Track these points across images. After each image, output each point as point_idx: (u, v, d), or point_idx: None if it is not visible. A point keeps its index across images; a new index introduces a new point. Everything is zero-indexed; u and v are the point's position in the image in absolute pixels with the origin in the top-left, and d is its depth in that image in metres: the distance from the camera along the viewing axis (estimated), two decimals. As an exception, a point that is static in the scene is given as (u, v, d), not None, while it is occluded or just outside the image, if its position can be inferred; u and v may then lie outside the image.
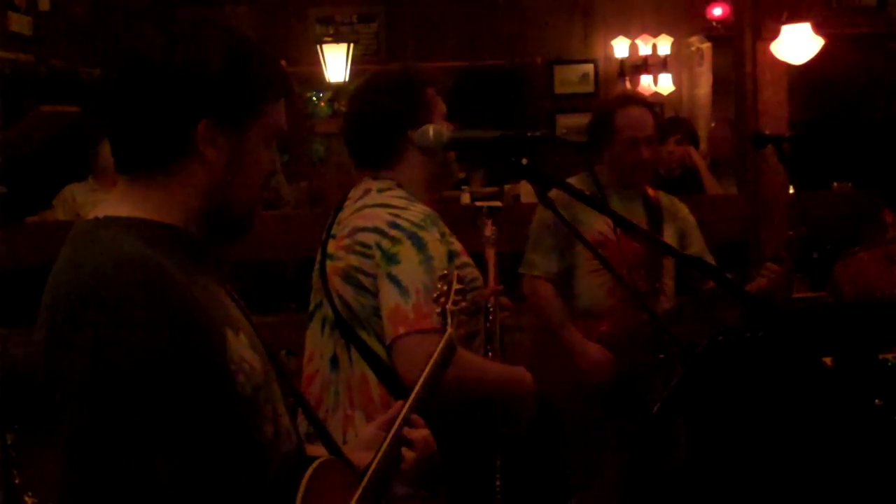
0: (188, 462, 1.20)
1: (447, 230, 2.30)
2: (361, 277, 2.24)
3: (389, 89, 2.36)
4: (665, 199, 3.43)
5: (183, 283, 1.26)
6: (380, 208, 2.27)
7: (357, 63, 7.59)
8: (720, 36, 7.21)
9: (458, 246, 2.33)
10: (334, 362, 2.30)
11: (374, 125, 2.35)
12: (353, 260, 2.25)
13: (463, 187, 6.44)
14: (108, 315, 1.19)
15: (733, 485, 3.14)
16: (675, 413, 2.56)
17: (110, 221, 1.32)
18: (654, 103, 3.62)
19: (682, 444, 3.10)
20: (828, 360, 2.98)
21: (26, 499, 2.80)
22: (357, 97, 2.44)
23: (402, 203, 2.28)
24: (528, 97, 8.19)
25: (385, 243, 2.21)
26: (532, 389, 2.35)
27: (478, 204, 5.29)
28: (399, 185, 2.33)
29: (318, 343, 2.36)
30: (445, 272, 1.93)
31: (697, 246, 3.40)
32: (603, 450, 3.22)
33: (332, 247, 2.32)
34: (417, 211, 2.26)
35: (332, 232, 2.35)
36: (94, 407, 1.18)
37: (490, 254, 2.62)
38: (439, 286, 1.87)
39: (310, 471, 1.36)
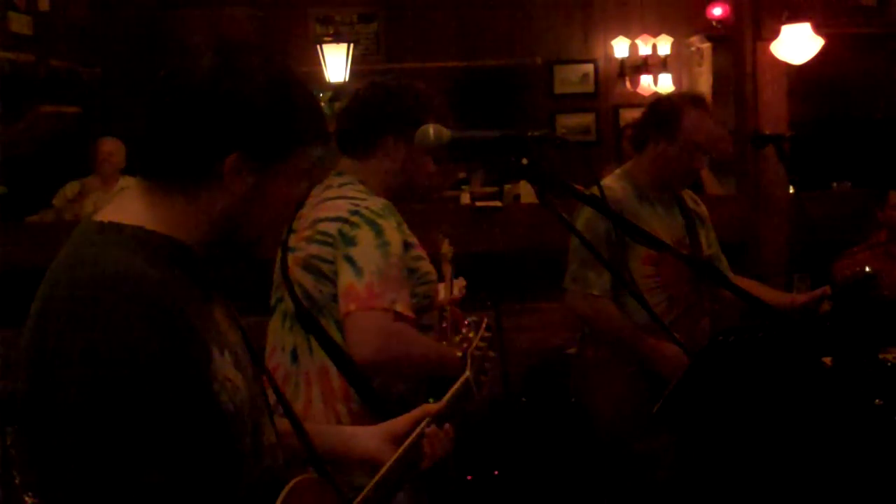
0: (175, 472, 1.21)
1: (403, 221, 2.37)
2: (321, 265, 2.30)
3: (388, 93, 2.44)
4: (687, 198, 3.31)
5: (177, 301, 1.27)
6: (340, 200, 2.35)
7: (357, 63, 7.58)
8: (720, 36, 7.20)
9: (414, 239, 2.39)
10: (294, 355, 2.36)
11: (361, 118, 2.46)
12: (314, 249, 2.32)
13: (463, 187, 6.44)
14: (100, 327, 1.20)
15: (733, 484, 3.13)
16: (675, 413, 2.55)
17: (116, 228, 1.33)
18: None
19: (668, 460, 3.07)
20: (828, 360, 2.98)
21: (26, 499, 2.79)
22: (361, 91, 2.52)
23: (361, 195, 2.36)
24: (528, 97, 8.19)
25: (345, 228, 2.28)
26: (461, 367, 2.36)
27: (478, 204, 5.30)
28: (361, 182, 2.41)
29: (278, 337, 2.41)
30: (483, 323, 1.96)
31: (715, 246, 3.34)
32: (652, 463, 3.11)
33: (292, 240, 2.39)
34: (377, 201, 2.34)
35: (293, 227, 2.41)
36: (80, 415, 1.20)
37: (447, 269, 2.73)
38: (464, 331, 1.90)
39: (287, 488, 1.37)
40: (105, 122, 6.03)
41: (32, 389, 1.24)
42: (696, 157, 3.07)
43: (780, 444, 3.04)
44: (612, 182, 3.16)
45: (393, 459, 1.64)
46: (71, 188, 5.73)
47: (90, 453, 1.19)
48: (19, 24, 6.20)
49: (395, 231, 2.30)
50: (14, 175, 5.32)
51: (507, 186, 6.02)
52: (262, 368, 1.52)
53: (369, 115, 2.44)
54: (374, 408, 2.28)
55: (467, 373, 1.85)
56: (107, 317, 1.20)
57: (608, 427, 3.11)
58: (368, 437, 1.72)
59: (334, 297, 2.28)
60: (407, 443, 1.67)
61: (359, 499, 1.56)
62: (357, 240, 2.26)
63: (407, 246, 2.34)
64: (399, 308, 2.23)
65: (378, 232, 2.27)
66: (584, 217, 3.02)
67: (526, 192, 5.51)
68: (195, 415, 1.25)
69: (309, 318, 2.32)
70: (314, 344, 2.32)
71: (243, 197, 1.36)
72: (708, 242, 3.31)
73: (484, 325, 1.99)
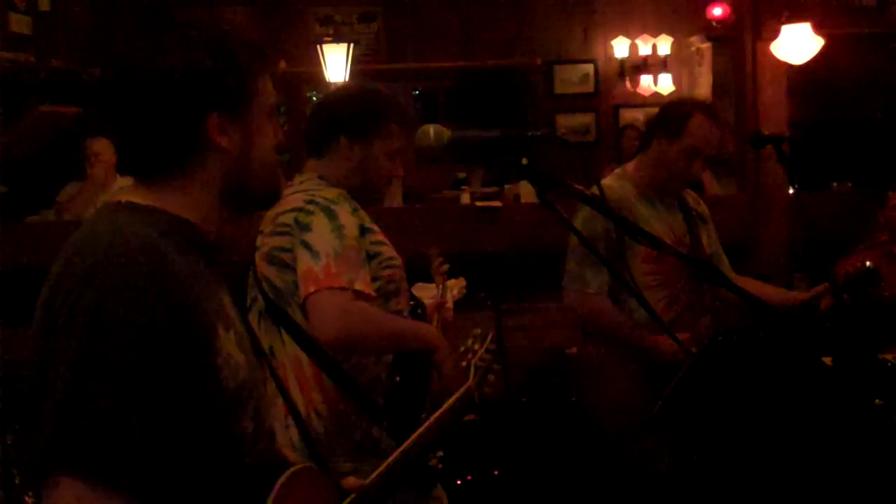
0: (164, 432, 1.23)
1: (360, 208, 2.45)
2: (282, 255, 2.36)
3: (342, 99, 2.58)
4: (689, 197, 3.31)
5: (185, 275, 1.31)
6: (298, 193, 2.42)
7: (357, 63, 7.58)
8: (720, 36, 7.20)
9: (374, 226, 2.45)
10: (272, 352, 2.39)
11: (320, 112, 2.59)
12: (275, 241, 2.38)
13: (463, 187, 6.44)
14: (110, 286, 1.24)
15: (734, 484, 3.14)
16: (674, 413, 2.55)
17: (132, 207, 1.37)
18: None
19: (665, 457, 3.07)
20: (828, 360, 2.98)
21: (26, 499, 2.79)
22: (323, 97, 2.68)
23: (317, 187, 2.45)
24: (528, 97, 8.19)
25: (300, 216, 2.35)
26: (437, 342, 2.37)
27: (478, 204, 5.30)
28: (320, 178, 2.49)
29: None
30: (489, 335, 1.97)
31: (716, 246, 3.35)
32: (648, 462, 3.09)
33: (258, 241, 2.46)
34: (331, 190, 2.43)
35: (260, 228, 2.48)
36: (83, 359, 1.22)
37: (439, 281, 2.86)
38: (469, 343, 1.91)
39: (285, 475, 1.39)
40: (105, 122, 6.03)
41: (42, 348, 1.26)
42: (694, 162, 3.08)
43: (780, 444, 3.04)
44: (612, 181, 3.17)
45: (406, 444, 1.67)
46: (72, 188, 5.73)
47: (84, 407, 1.20)
48: (19, 24, 6.20)
49: (349, 215, 2.36)
50: (14, 175, 5.32)
51: (507, 186, 6.02)
52: (263, 356, 1.55)
53: (324, 117, 2.56)
54: (347, 391, 2.33)
55: (470, 382, 1.85)
56: (119, 278, 1.24)
57: (609, 425, 3.12)
58: None
59: (296, 285, 2.32)
60: (426, 426, 1.70)
61: (367, 482, 1.57)
62: (312, 225, 2.32)
63: (364, 230, 2.40)
64: (358, 286, 2.27)
65: (331, 216, 2.33)
66: (582, 217, 3.03)
67: (526, 192, 5.50)
68: (194, 384, 1.28)
69: (276, 309, 2.37)
70: (285, 336, 2.37)
71: (240, 151, 1.42)
72: (710, 242, 3.31)
73: (490, 338, 1.99)
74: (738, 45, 4.79)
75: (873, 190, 4.49)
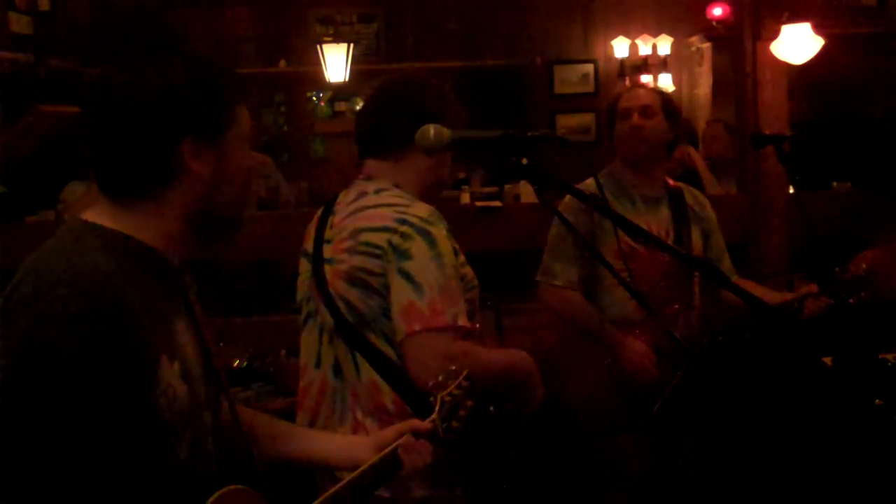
0: (89, 469, 1.23)
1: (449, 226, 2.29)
2: (369, 278, 2.19)
3: (416, 87, 2.34)
4: (689, 195, 3.32)
5: (135, 310, 1.31)
6: (384, 208, 2.24)
7: (357, 63, 7.58)
8: (720, 36, 7.20)
9: (457, 245, 2.30)
10: (337, 369, 2.26)
11: (388, 115, 2.32)
12: (358, 261, 2.20)
13: (463, 187, 6.43)
14: (48, 317, 1.24)
15: (733, 484, 3.14)
16: (675, 412, 2.55)
17: (95, 229, 1.38)
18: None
19: (641, 455, 3.07)
20: (828, 360, 2.98)
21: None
22: (381, 88, 2.40)
23: (403, 201, 2.25)
24: (528, 97, 8.19)
25: (396, 239, 2.17)
26: (533, 367, 2.31)
27: (478, 204, 5.30)
28: (396, 186, 2.30)
29: (313, 352, 2.33)
30: (463, 372, 1.96)
31: (717, 248, 3.33)
32: (621, 459, 3.12)
33: (328, 252, 2.29)
34: (423, 207, 2.24)
35: (326, 237, 2.32)
36: (8, 402, 1.23)
37: None
38: (440, 378, 1.89)
39: (212, 499, 1.39)
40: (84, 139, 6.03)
41: None
42: (627, 119, 3.22)
43: (780, 444, 3.04)
44: (592, 181, 3.18)
45: (366, 466, 1.70)
46: (73, 189, 5.72)
47: (13, 443, 1.21)
48: (19, 24, 6.20)
49: (445, 239, 2.20)
50: (14, 175, 5.31)
51: (507, 186, 6.01)
52: (220, 387, 1.55)
53: (400, 111, 2.29)
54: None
55: (434, 415, 1.86)
56: (58, 308, 1.24)
57: (581, 420, 3.12)
58: (360, 447, 1.78)
59: (384, 311, 2.18)
60: (383, 452, 1.73)
61: (320, 499, 1.58)
62: (411, 253, 2.15)
63: (455, 252, 2.25)
64: (461, 322, 2.16)
65: (430, 242, 2.17)
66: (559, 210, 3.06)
67: (526, 192, 5.50)
68: (125, 418, 1.28)
69: (354, 333, 2.22)
70: (360, 360, 2.22)
71: (211, 177, 1.42)
72: (711, 244, 3.31)
73: (463, 375, 1.97)
74: (738, 45, 4.78)
75: (873, 190, 4.49)
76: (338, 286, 2.24)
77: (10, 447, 1.21)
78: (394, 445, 1.75)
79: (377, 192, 2.29)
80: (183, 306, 1.47)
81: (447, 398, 1.88)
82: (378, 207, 2.25)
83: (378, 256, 2.18)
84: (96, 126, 1.40)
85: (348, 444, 1.82)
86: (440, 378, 1.91)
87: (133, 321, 1.30)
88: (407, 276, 2.15)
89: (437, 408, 1.86)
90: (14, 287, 1.30)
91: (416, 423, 1.81)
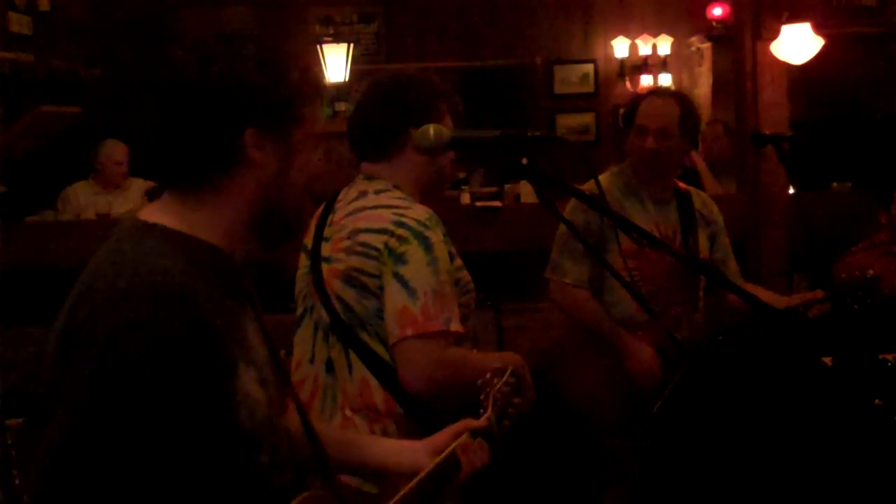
0: (177, 479, 1.21)
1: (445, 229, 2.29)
2: (364, 279, 2.20)
3: (402, 85, 2.33)
4: (697, 199, 3.31)
5: (212, 312, 1.28)
6: (383, 209, 2.24)
7: (357, 63, 7.58)
8: (720, 36, 7.20)
9: (454, 249, 2.31)
10: (329, 366, 2.27)
11: (378, 116, 2.32)
12: (355, 261, 2.21)
13: (463, 187, 6.43)
14: (129, 324, 1.20)
15: (733, 483, 3.14)
16: (674, 412, 2.55)
17: (159, 231, 1.34)
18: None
19: (643, 455, 3.06)
20: (828, 360, 2.98)
21: (27, 498, 2.79)
22: (368, 90, 2.39)
23: (403, 203, 2.25)
24: (528, 97, 8.19)
25: (392, 242, 2.17)
26: (526, 370, 2.26)
27: (478, 204, 5.30)
28: (396, 187, 2.30)
29: (307, 348, 2.33)
30: (507, 370, 1.95)
31: (722, 251, 3.33)
32: (621, 459, 3.11)
33: (326, 249, 2.29)
34: (421, 210, 2.23)
35: (325, 235, 2.32)
36: (91, 407, 1.20)
37: None
38: (488, 376, 1.87)
39: (297, 500, 1.37)
40: (105, 122, 6.04)
41: (55, 371, 1.24)
42: (642, 139, 3.12)
43: (779, 444, 3.04)
44: (603, 179, 3.18)
45: (430, 468, 1.64)
46: (73, 189, 5.72)
47: (91, 446, 1.19)
48: (19, 24, 6.21)
49: (441, 243, 2.20)
50: (14, 175, 5.31)
51: (507, 186, 6.01)
52: (288, 386, 1.52)
53: (390, 110, 2.30)
54: (421, 423, 2.18)
55: (489, 413, 1.84)
56: (139, 314, 1.21)
57: (583, 418, 3.12)
58: (416, 451, 1.73)
59: (378, 312, 2.19)
60: (445, 453, 1.68)
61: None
62: (407, 257, 2.15)
63: (451, 257, 2.25)
64: (454, 327, 2.16)
65: (427, 247, 2.17)
66: (566, 211, 3.06)
67: (526, 192, 5.50)
68: (207, 428, 1.24)
69: (349, 331, 2.22)
70: (353, 357, 2.23)
71: (274, 171, 1.39)
72: (716, 246, 3.31)
73: (508, 372, 1.97)
74: (738, 45, 4.79)
75: (873, 190, 4.49)
76: (334, 285, 2.24)
77: (91, 467, 1.18)
78: (453, 446, 1.70)
79: (377, 192, 2.29)
80: (250, 307, 1.43)
81: (498, 395, 1.87)
82: (377, 209, 2.25)
83: (374, 258, 2.19)
84: (161, 107, 1.36)
85: (403, 449, 1.77)
86: (487, 375, 1.90)
87: (211, 328, 1.26)
88: (401, 280, 2.15)
89: (489, 405, 1.84)
90: (80, 297, 1.25)
91: (471, 422, 1.78)
